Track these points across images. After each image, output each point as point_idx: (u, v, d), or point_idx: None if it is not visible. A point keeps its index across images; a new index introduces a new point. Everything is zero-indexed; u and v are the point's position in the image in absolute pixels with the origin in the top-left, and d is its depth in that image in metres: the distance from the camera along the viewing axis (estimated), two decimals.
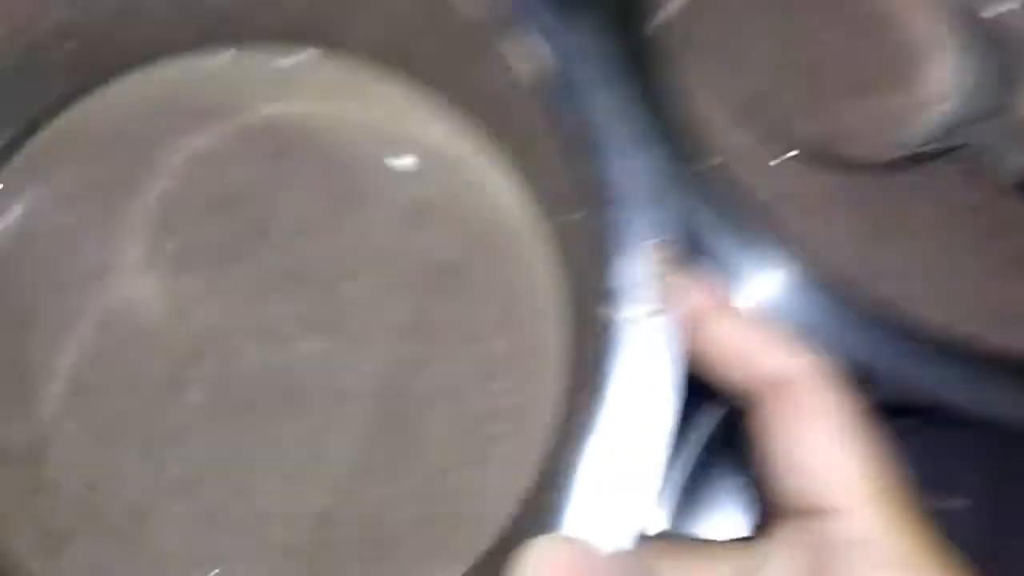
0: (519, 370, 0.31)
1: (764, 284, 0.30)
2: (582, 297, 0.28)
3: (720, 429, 0.37)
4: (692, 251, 0.24)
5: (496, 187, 0.32)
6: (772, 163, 0.34)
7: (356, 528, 0.29)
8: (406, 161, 0.32)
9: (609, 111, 0.24)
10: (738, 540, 0.24)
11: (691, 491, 0.37)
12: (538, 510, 0.26)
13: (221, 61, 0.32)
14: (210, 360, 0.30)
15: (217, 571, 0.29)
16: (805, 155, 0.34)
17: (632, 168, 0.24)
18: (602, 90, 0.25)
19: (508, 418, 0.31)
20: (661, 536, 0.34)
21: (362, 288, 0.31)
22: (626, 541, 0.21)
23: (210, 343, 0.30)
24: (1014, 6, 0.35)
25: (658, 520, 0.37)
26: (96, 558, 0.29)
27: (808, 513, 0.22)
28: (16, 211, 0.31)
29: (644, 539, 0.21)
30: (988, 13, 0.35)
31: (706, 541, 0.28)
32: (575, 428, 0.24)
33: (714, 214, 0.30)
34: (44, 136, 0.31)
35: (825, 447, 0.22)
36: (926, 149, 0.35)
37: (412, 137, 0.32)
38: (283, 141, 0.32)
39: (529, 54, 0.26)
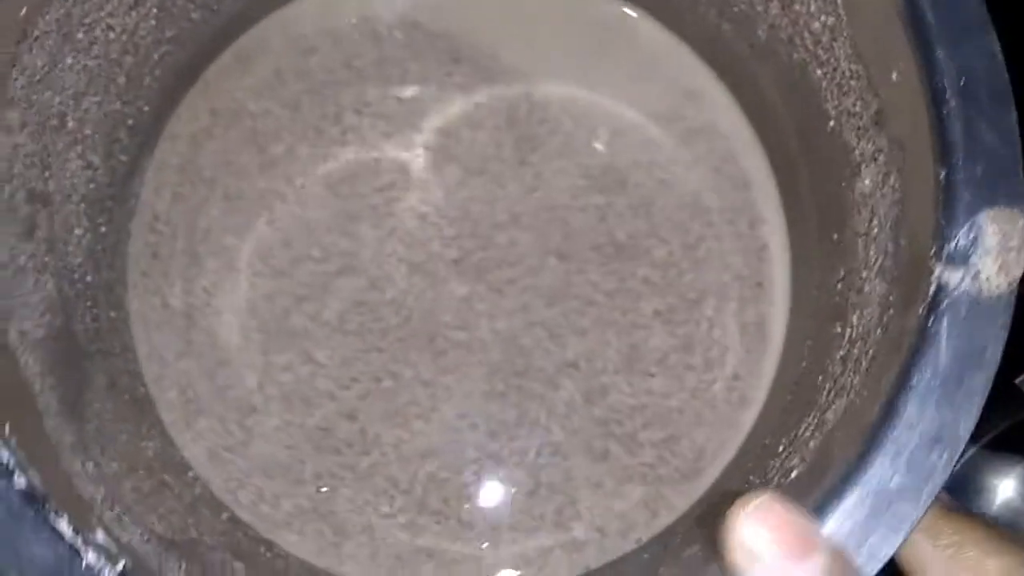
0: (680, 376, 0.30)
1: None
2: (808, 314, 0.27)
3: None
4: None
5: (742, 142, 0.32)
6: None
7: (457, 476, 0.30)
8: (603, 125, 0.32)
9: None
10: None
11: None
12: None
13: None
14: (359, 276, 0.31)
15: (325, 489, 0.29)
16: None
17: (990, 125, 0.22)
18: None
19: (665, 424, 0.30)
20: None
21: (520, 243, 0.31)
22: None
23: (364, 262, 0.31)
24: None
25: None
26: (218, 439, 0.30)
27: None
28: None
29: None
30: None
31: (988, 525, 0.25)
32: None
33: None
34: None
35: None
36: None
37: (614, 104, 0.32)
38: (476, 75, 0.32)
39: None
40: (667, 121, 0.32)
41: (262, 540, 0.29)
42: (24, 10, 0.24)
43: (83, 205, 0.29)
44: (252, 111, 0.32)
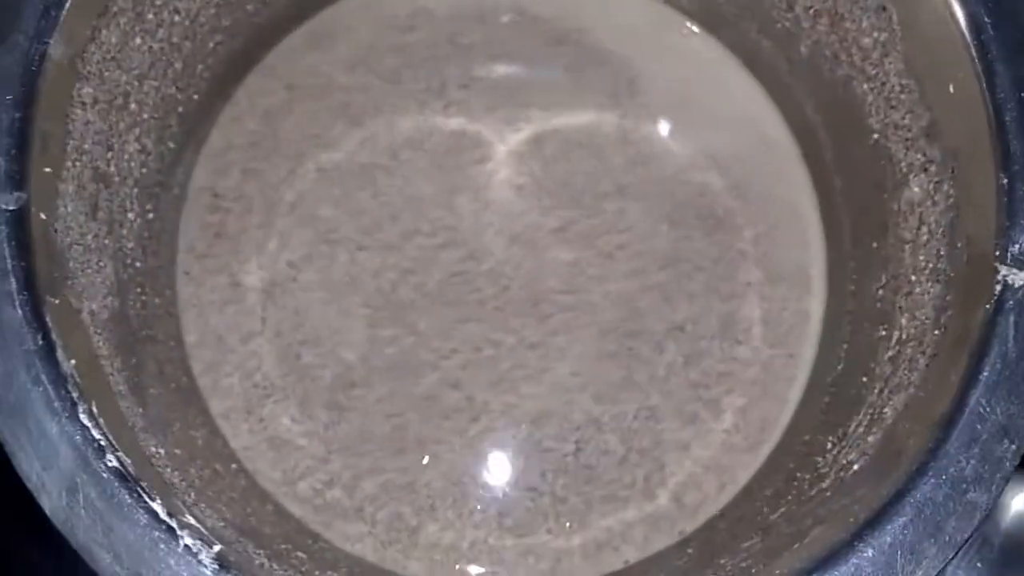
0: (769, 343, 0.31)
1: None
2: (866, 286, 0.28)
3: None
4: None
5: (785, 151, 0.33)
6: None
7: (562, 442, 0.30)
8: (699, 114, 0.33)
9: None
10: None
11: None
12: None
13: None
14: (459, 248, 0.31)
15: (427, 459, 0.28)
16: None
17: None
18: None
19: (743, 392, 0.30)
20: None
21: (625, 209, 0.32)
22: None
23: (465, 234, 0.31)
24: None
25: None
26: (292, 424, 0.29)
27: None
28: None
29: None
30: None
31: None
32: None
33: None
34: None
35: None
36: None
37: (706, 86, 0.33)
38: (578, 56, 0.33)
39: None
40: (741, 122, 0.34)
41: (308, 532, 0.29)
42: None
43: (135, 189, 0.28)
44: (343, 85, 0.32)
